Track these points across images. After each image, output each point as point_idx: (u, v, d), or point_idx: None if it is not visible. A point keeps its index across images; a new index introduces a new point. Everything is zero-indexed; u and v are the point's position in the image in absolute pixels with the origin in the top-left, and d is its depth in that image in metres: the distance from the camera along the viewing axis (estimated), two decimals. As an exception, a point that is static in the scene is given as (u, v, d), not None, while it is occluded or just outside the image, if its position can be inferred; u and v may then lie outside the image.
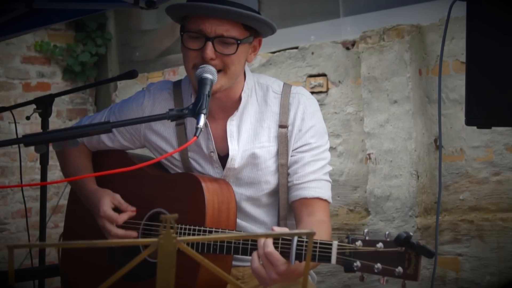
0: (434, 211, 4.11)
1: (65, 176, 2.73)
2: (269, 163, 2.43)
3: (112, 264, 2.50)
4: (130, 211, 2.45)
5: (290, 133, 2.42)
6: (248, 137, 2.43)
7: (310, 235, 1.43)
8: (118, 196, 2.47)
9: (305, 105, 2.45)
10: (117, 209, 2.46)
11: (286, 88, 2.48)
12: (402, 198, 4.10)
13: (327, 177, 2.44)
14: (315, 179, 2.40)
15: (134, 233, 2.43)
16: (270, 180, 2.43)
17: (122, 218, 2.43)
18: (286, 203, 2.45)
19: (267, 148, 2.43)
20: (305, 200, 2.39)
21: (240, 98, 2.43)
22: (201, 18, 2.30)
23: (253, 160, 2.42)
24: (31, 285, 3.49)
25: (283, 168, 2.42)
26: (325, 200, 2.41)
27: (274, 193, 2.46)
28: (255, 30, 2.37)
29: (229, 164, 2.42)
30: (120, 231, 2.42)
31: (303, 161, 2.41)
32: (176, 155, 2.48)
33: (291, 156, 2.42)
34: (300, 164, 2.41)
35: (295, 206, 2.42)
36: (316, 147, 2.43)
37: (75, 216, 2.71)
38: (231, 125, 2.43)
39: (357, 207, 4.45)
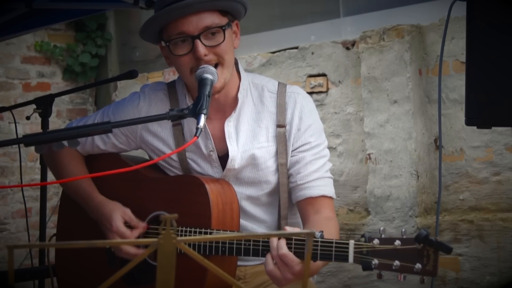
0: (434, 211, 4.11)
1: (59, 183, 2.70)
2: (269, 163, 2.43)
3: (111, 269, 2.49)
4: (141, 227, 2.43)
5: (289, 132, 2.42)
6: (247, 138, 2.43)
7: (309, 235, 1.44)
8: (128, 211, 2.45)
9: (302, 104, 2.45)
10: (128, 224, 2.44)
11: (282, 87, 2.48)
12: (402, 198, 4.10)
13: (329, 174, 2.46)
14: (318, 178, 2.41)
15: (143, 251, 2.40)
16: (270, 180, 2.44)
17: (134, 235, 2.41)
18: (286, 202, 2.45)
19: (266, 148, 2.43)
20: (311, 199, 2.40)
21: (235, 99, 2.43)
22: (179, 21, 2.30)
23: (253, 160, 2.42)
24: (31, 285, 3.49)
25: (283, 167, 2.43)
26: (330, 197, 2.42)
27: (274, 193, 2.46)
28: (231, 14, 2.38)
29: (229, 165, 2.42)
30: (132, 250, 2.40)
31: (305, 160, 2.41)
32: (174, 156, 2.47)
33: (292, 156, 2.42)
34: (302, 163, 2.41)
35: (301, 206, 2.42)
36: (316, 145, 2.43)
37: (69, 218, 2.69)
38: (229, 126, 2.43)
39: (357, 207, 4.45)
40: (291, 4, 5.17)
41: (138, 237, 2.42)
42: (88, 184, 2.56)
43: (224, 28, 2.31)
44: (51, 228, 5.35)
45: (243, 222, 2.46)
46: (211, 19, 2.31)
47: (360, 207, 4.44)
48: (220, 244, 2.24)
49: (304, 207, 2.41)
